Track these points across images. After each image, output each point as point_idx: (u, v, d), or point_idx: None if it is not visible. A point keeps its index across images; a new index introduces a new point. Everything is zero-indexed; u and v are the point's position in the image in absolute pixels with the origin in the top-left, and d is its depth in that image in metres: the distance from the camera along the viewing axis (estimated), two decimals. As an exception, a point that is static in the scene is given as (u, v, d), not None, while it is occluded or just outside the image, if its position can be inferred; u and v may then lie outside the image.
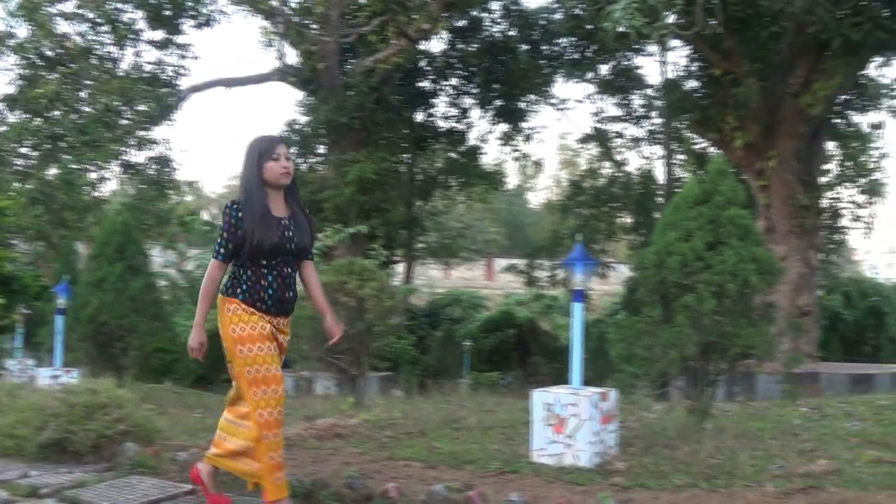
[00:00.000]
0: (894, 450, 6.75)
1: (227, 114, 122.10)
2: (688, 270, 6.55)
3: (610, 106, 30.01)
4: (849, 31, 15.98)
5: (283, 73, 25.13)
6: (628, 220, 31.45)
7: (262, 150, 4.78)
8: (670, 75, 26.33)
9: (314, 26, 24.14)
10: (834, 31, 16.13)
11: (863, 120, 25.92)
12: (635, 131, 30.64)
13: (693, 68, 22.77)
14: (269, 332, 4.72)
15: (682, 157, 29.48)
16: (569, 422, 6.06)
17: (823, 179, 24.75)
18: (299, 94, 26.30)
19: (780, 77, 18.50)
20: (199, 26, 23.75)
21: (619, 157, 31.76)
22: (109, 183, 23.62)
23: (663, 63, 27.76)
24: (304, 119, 25.99)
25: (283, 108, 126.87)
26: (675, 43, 21.81)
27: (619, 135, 30.89)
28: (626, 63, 27.62)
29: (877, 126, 26.45)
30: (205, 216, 38.42)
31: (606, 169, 32.40)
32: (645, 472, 5.79)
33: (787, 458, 6.30)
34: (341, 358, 9.76)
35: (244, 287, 4.69)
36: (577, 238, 7.11)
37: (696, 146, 26.79)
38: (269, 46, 26.85)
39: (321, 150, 26.59)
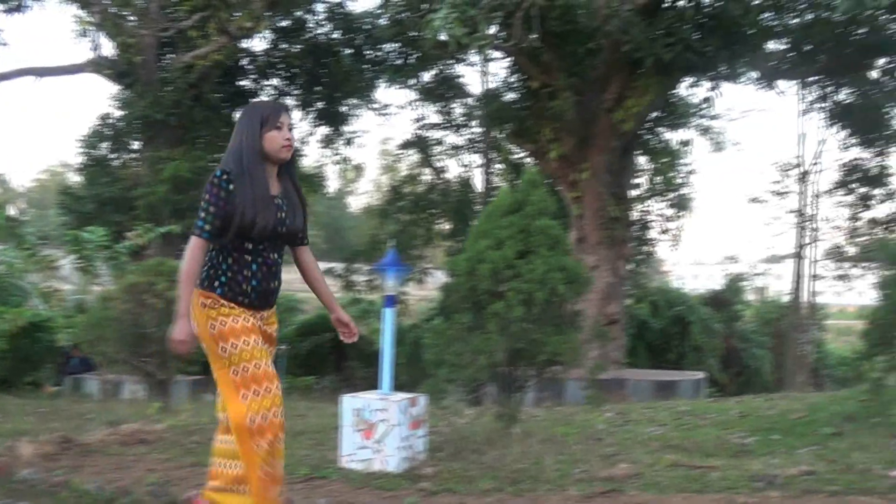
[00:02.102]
0: (692, 454, 7.04)
1: (38, 105, 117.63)
2: (498, 278, 6.66)
3: (431, 113, 30.27)
4: (661, 51, 16.58)
5: (98, 65, 24.22)
6: (446, 226, 31.77)
7: (264, 117, 4.15)
8: (491, 85, 26.75)
9: (132, 18, 23.43)
10: (647, 51, 16.72)
11: (672, 137, 27.04)
12: (455, 139, 31.00)
13: (512, 80, 23.18)
14: (252, 324, 4.09)
15: (499, 166, 30.00)
16: (378, 427, 6.07)
17: (634, 193, 25.64)
18: (115, 88, 25.45)
19: (595, 92, 19.02)
20: (9, 11, 22.76)
21: (438, 165, 32.05)
22: None
23: (484, 73, 28.20)
24: (118, 113, 25.14)
25: (97, 100, 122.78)
26: (496, 54, 22.15)
27: (440, 142, 31.19)
28: (448, 71, 27.89)
29: (685, 143, 27.65)
30: (11, 211, 36.65)
31: (426, 175, 32.64)
32: (452, 477, 5.85)
33: (591, 462, 6.47)
34: (148, 361, 9.49)
35: (223, 279, 4.06)
36: (390, 243, 7.14)
37: (514, 156, 27.32)
38: (84, 37, 25.86)
39: (136, 146, 25.79)
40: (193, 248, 4.02)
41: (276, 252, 4.21)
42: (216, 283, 4.06)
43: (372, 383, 6.56)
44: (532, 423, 8.45)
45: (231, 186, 4.00)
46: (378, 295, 32.76)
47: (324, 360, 28.78)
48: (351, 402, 6.21)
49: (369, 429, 6.10)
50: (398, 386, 6.45)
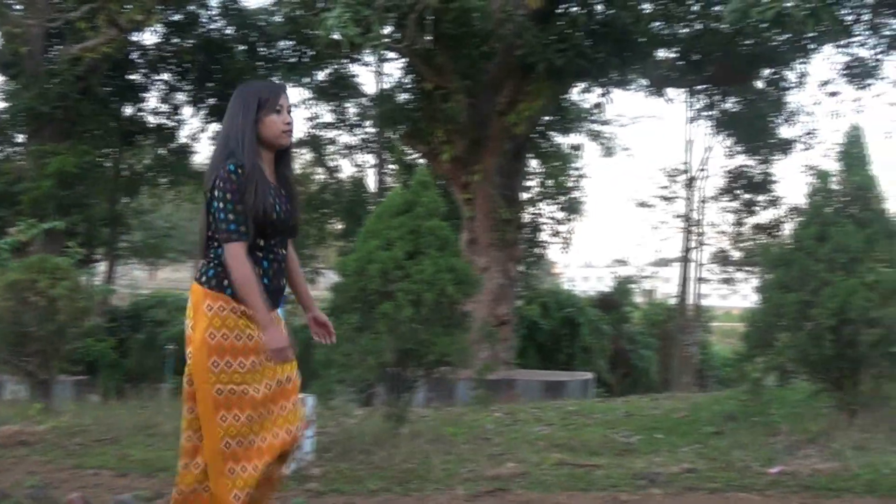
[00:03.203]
0: (578, 452, 7.15)
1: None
2: (388, 279, 6.67)
3: (325, 112, 30.08)
4: (553, 56, 16.78)
5: (-18, 55, 23.50)
6: (339, 226, 31.62)
7: (262, 99, 3.72)
8: (385, 86, 26.71)
9: (18, 7, 22.77)
10: (539, 56, 16.90)
11: (564, 141, 27.39)
12: (349, 139, 30.87)
13: (406, 81, 23.19)
14: (256, 341, 3.61)
15: (393, 166, 29.98)
16: (265, 428, 6.00)
17: (525, 195, 25.89)
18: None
19: (488, 95, 19.14)
20: None
21: (331, 164, 31.88)
22: None
23: (378, 73, 28.14)
24: (2, 105, 24.41)
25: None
26: (390, 55, 22.15)
27: (333, 141, 31.02)
28: (342, 71, 27.76)
29: (576, 147, 28.04)
30: None
31: (319, 175, 32.44)
32: (340, 478, 5.84)
33: (478, 461, 6.52)
34: (29, 361, 9.22)
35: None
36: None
37: (407, 157, 27.35)
38: (-33, 26, 25.05)
39: (20, 139, 25.06)
40: (239, 255, 3.55)
41: (283, 247, 3.84)
42: (225, 283, 3.62)
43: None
44: (421, 423, 8.47)
45: (243, 178, 3.60)
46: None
47: (212, 361, 28.34)
48: (237, 403, 6.13)
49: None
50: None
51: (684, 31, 20.00)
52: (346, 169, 32.26)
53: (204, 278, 3.67)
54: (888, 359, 7.79)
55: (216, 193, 3.59)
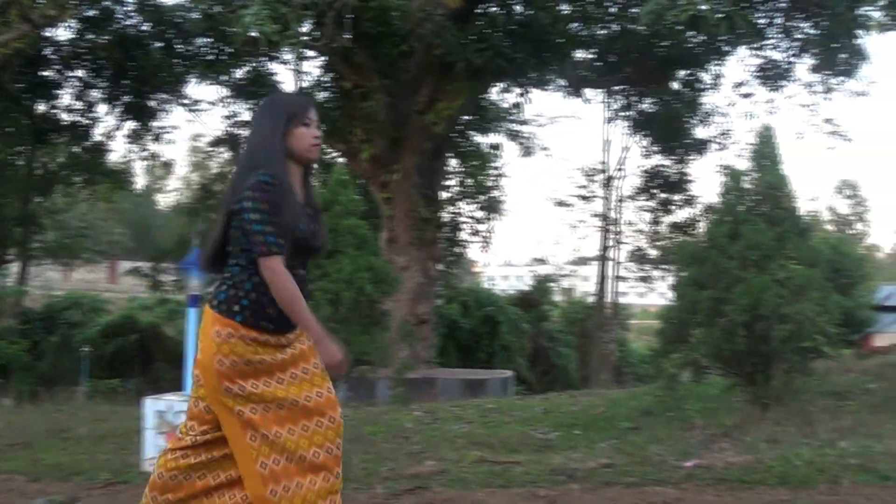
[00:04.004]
0: (497, 450, 7.18)
1: None
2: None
3: (243, 110, 29.74)
4: (473, 56, 16.84)
5: None
6: (257, 225, 31.32)
7: (291, 112, 3.56)
8: (304, 84, 26.53)
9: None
10: (459, 56, 16.94)
11: (483, 141, 27.49)
12: (267, 138, 30.53)
13: (326, 79, 23.08)
14: (272, 360, 3.44)
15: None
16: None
17: (445, 195, 25.94)
18: None
19: (407, 94, 19.14)
20: None
21: (250, 163, 31.51)
22: None
23: (297, 72, 27.94)
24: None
25: None
26: (309, 53, 22.00)
27: (251, 140, 30.69)
28: (261, 69, 27.50)
29: (495, 147, 28.14)
30: None
31: (237, 174, 32.07)
32: (259, 478, 5.78)
33: (398, 460, 6.52)
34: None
35: (244, 302, 3.41)
36: (194, 242, 7.01)
37: (327, 156, 27.22)
38: None
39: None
40: (280, 269, 3.33)
41: (304, 267, 3.61)
42: (235, 308, 3.41)
43: (179, 385, 6.43)
44: (347, 425, 8.44)
45: (281, 193, 3.40)
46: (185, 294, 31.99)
47: (129, 363, 27.96)
48: (153, 405, 6.07)
49: (172, 431, 5.96)
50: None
51: (602, 32, 20.25)
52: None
53: (215, 301, 3.48)
54: (799, 354, 7.99)
55: (248, 205, 3.37)
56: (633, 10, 17.47)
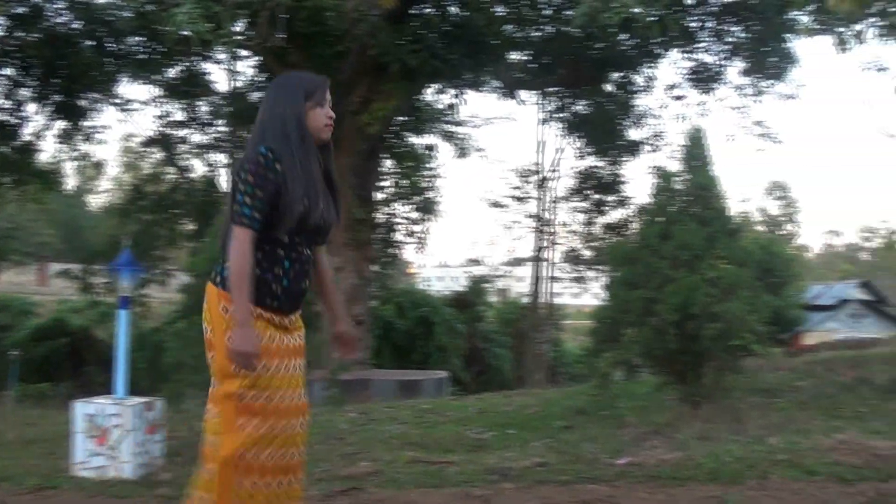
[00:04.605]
0: (431, 450, 7.19)
1: None
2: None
3: (176, 110, 29.43)
4: (407, 57, 16.83)
5: None
6: (190, 227, 31.01)
7: (308, 91, 3.55)
8: (238, 84, 26.34)
9: None
10: (393, 56, 16.92)
11: (418, 141, 27.48)
12: (201, 138, 30.27)
13: (260, 79, 22.92)
14: (278, 343, 3.45)
15: (247, 166, 29.52)
16: (112, 433, 5.88)
17: (380, 195, 25.89)
18: None
19: (342, 95, 19.05)
20: None
21: (183, 163, 31.21)
22: None
23: (231, 71, 27.71)
24: None
25: None
26: (243, 52, 21.82)
27: (184, 140, 30.39)
28: (194, 68, 27.23)
29: (430, 148, 28.15)
30: None
31: (170, 174, 31.72)
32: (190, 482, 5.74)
33: (332, 461, 6.50)
34: None
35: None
36: (125, 243, 6.92)
37: (261, 157, 26.99)
38: None
39: None
40: (243, 242, 3.31)
41: (309, 248, 3.59)
42: None
43: (110, 389, 6.34)
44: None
45: (279, 167, 3.37)
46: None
47: (59, 366, 27.56)
48: (83, 408, 5.99)
49: (103, 435, 5.90)
50: (139, 392, 6.28)
51: (536, 34, 20.34)
52: (198, 168, 31.61)
53: (219, 279, 3.45)
54: (729, 352, 8.10)
55: (240, 175, 3.39)
56: (568, 13, 17.62)
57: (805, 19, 15.07)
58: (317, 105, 3.55)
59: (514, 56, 21.15)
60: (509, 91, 23.42)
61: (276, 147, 3.39)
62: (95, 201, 58.73)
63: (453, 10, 18.90)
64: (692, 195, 8.66)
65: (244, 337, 3.28)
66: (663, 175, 9.03)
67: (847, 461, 5.91)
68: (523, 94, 24.69)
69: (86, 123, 28.84)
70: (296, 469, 3.48)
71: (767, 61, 19.34)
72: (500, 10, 18.97)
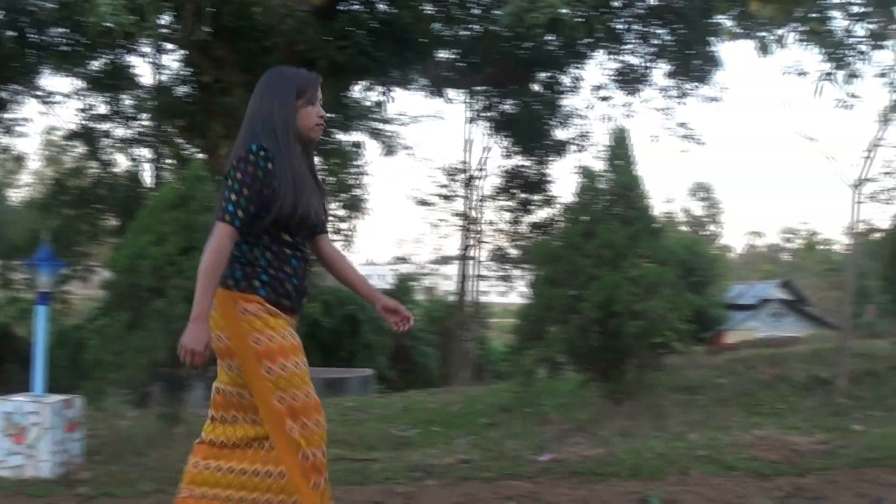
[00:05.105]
0: (355, 447, 7.20)
1: None
2: (160, 275, 6.52)
3: (99, 104, 28.94)
4: (335, 53, 16.76)
5: None
6: (113, 222, 30.54)
7: (300, 88, 3.47)
8: (163, 78, 25.99)
9: None
10: (321, 53, 16.84)
11: (345, 139, 27.38)
12: (124, 132, 29.80)
13: (186, 73, 22.65)
14: (297, 340, 3.40)
15: (170, 161, 29.19)
16: (30, 431, 5.78)
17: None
18: None
19: (269, 90, 18.90)
20: None
21: (106, 158, 30.71)
22: None
23: (156, 65, 27.34)
24: None
25: None
26: (169, 46, 21.55)
27: (108, 134, 29.90)
28: (118, 61, 26.78)
29: (357, 145, 28.08)
30: None
31: (93, 169, 31.20)
32: (111, 481, 5.70)
33: (254, 459, 6.45)
34: None
35: (264, 278, 3.32)
36: (44, 238, 6.81)
37: (185, 151, 26.69)
38: None
39: None
40: (222, 238, 3.22)
41: (307, 246, 3.56)
42: (256, 283, 3.31)
43: (28, 386, 6.23)
44: (196, 422, 8.24)
45: (270, 166, 3.29)
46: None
47: (-24, 364, 26.96)
48: (1, 406, 5.88)
49: (20, 433, 5.80)
50: (59, 389, 6.18)
51: (464, 33, 20.40)
52: (122, 163, 31.13)
53: (231, 281, 3.33)
54: (650, 349, 8.22)
55: (229, 172, 3.31)
56: (496, 12, 17.69)
57: (729, 23, 15.30)
58: (308, 103, 3.48)
59: (442, 54, 21.17)
60: (437, 89, 23.47)
61: (268, 145, 3.32)
62: (16, 195, 57.54)
63: (382, 7, 18.87)
64: (616, 195, 8.77)
65: (197, 332, 3.17)
66: (587, 174, 9.12)
67: (765, 456, 6.03)
68: (451, 92, 24.78)
69: (6, 116, 28.23)
70: (323, 469, 3.42)
71: (692, 64, 19.63)
72: (428, 8, 18.99)
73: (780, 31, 10.84)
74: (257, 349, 3.26)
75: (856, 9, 10.62)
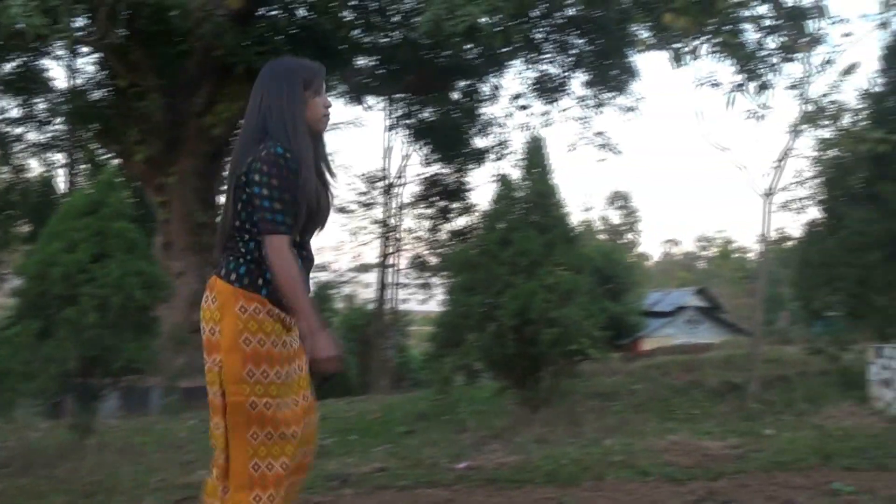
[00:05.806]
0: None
1: None
2: (71, 282, 6.40)
3: (11, 107, 28.30)
4: (253, 58, 16.63)
5: None
6: (26, 228, 29.91)
7: (306, 79, 3.33)
8: (77, 82, 25.51)
9: None
10: (239, 58, 16.72)
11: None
12: (37, 136, 29.19)
13: (101, 77, 22.27)
14: (291, 347, 3.25)
15: (85, 166, 28.69)
16: (-66, 443, 5.62)
17: (222, 199, 25.48)
18: None
19: (185, 95, 18.70)
20: None
21: (18, 163, 30.06)
22: None
23: (70, 68, 26.84)
24: None
25: None
26: (84, 49, 21.17)
27: (20, 139, 29.25)
28: (31, 63, 26.23)
29: (277, 152, 27.87)
30: None
31: (4, 174, 30.50)
32: (20, 494, 5.58)
33: (169, 470, 6.38)
34: None
35: (267, 276, 3.16)
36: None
37: (100, 157, 26.25)
38: None
39: None
40: (285, 250, 3.10)
41: (311, 244, 3.41)
42: (260, 282, 3.18)
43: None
44: (109, 433, 8.17)
45: (296, 167, 3.15)
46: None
47: None
48: None
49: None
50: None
51: (384, 40, 20.42)
52: (35, 168, 30.50)
53: (234, 276, 3.20)
54: (566, 356, 8.29)
55: (257, 178, 3.13)
56: (416, 20, 17.74)
57: (644, 34, 15.56)
58: (315, 94, 3.36)
59: (362, 61, 21.19)
60: (356, 96, 23.44)
61: (291, 146, 3.19)
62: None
63: (301, 12, 18.81)
64: (532, 203, 8.84)
65: (324, 342, 3.13)
66: (504, 183, 9.18)
67: (679, 461, 6.13)
68: (370, 99, 24.79)
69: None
70: (306, 468, 3.37)
71: (609, 74, 19.91)
72: (348, 14, 18.97)
73: (693, 43, 11.03)
74: (245, 350, 3.13)
75: (767, 22, 10.85)
